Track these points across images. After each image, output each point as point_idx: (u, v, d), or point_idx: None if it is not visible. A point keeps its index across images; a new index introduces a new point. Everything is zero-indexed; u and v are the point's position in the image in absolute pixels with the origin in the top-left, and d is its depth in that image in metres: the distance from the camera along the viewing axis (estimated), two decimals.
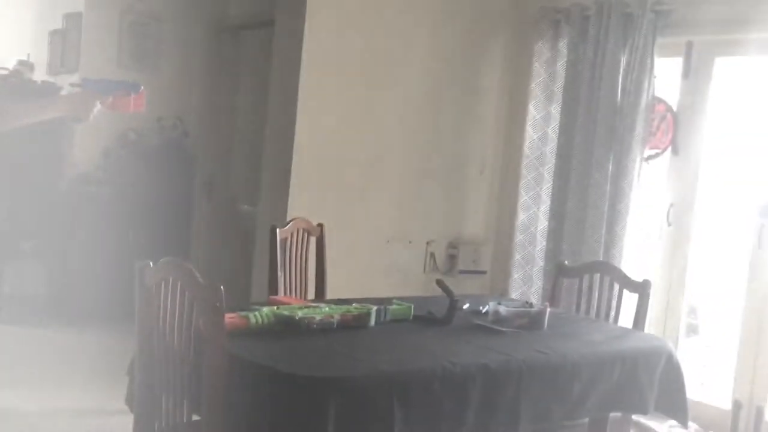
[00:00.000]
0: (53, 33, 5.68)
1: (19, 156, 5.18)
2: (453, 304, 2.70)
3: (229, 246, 5.04)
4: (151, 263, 2.16)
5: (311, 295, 3.49)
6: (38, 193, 5.30)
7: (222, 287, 1.93)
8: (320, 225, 3.52)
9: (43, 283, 5.24)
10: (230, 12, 5.33)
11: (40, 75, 5.63)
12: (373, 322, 2.49)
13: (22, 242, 5.19)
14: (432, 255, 4.66)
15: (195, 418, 2.08)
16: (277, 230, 3.28)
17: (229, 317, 2.20)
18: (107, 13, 5.35)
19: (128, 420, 2.28)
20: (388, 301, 2.72)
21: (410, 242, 4.55)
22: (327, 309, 2.45)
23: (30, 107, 2.38)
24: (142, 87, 2.54)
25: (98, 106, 2.44)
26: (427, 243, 4.64)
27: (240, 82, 5.09)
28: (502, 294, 4.41)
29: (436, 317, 2.69)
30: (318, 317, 2.36)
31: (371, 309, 2.51)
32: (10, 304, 5.08)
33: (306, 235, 3.48)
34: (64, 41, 5.55)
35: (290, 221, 3.44)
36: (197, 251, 5.29)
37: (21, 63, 5.64)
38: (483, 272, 4.82)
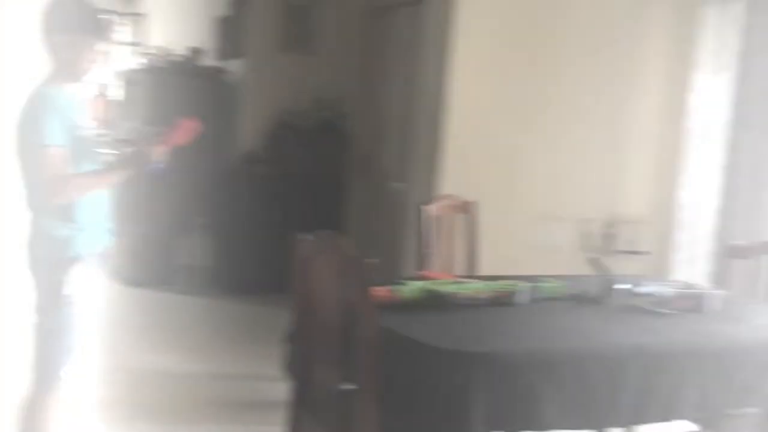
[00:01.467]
0: (221, 20, 5.99)
1: (196, 139, 5.54)
2: (608, 283, 2.59)
3: (382, 223, 5.13)
4: (307, 237, 2.24)
5: (461, 272, 3.49)
6: (209, 172, 5.66)
7: (372, 260, 1.97)
8: (470, 202, 3.50)
9: (212, 255, 5.60)
10: None
11: (209, 60, 5.99)
12: (523, 299, 2.45)
13: (196, 217, 5.57)
14: (587, 233, 4.50)
15: (348, 387, 2.14)
16: (426, 207, 3.29)
17: (381, 291, 2.25)
18: None
19: (285, 387, 2.39)
20: (540, 278, 2.66)
21: (564, 220, 4.42)
22: (477, 285, 2.44)
23: (95, 180, 2.36)
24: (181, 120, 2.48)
25: (156, 150, 2.38)
26: (582, 221, 4.49)
27: (393, 61, 5.13)
28: (663, 275, 4.19)
29: (590, 296, 2.61)
30: (467, 293, 2.35)
31: (522, 286, 2.47)
32: (184, 275, 5.49)
33: (455, 212, 3.47)
34: (230, 27, 5.85)
35: (439, 198, 3.45)
36: (352, 227, 5.43)
37: (191, 49, 6.01)
38: (643, 252, 4.59)
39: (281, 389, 2.38)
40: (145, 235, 5.51)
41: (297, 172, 5.50)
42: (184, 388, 3.59)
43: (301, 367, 2.32)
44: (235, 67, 5.75)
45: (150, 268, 5.52)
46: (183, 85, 5.57)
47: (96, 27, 2.36)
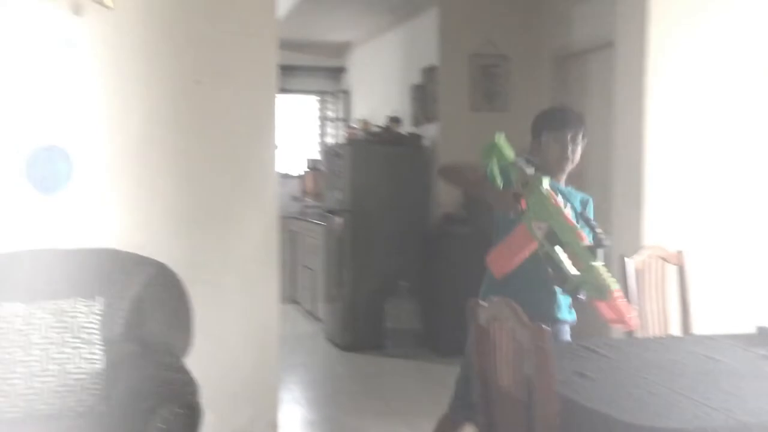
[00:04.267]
0: (414, 88, 6.18)
1: (397, 204, 5.74)
2: None
3: None
4: (481, 302, 2.17)
5: (674, 330, 3.19)
6: (412, 235, 5.77)
7: (548, 328, 1.85)
8: (679, 252, 3.21)
9: (418, 318, 5.65)
10: (573, 38, 5.24)
11: (406, 127, 6.17)
12: (737, 360, 2.16)
13: (401, 281, 5.67)
14: None
15: None
16: (628, 260, 3.07)
17: None
18: (459, 60, 5.66)
19: None
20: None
21: None
22: None
23: None
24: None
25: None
26: None
27: (586, 108, 4.94)
28: None
29: None
30: None
31: (734, 345, 2.18)
32: (392, 338, 5.59)
33: (662, 263, 3.20)
34: (423, 94, 6.02)
35: (643, 249, 3.20)
36: None
37: (390, 119, 6.25)
38: None
39: None
40: (354, 300, 5.72)
41: None
42: None
43: None
44: (430, 131, 5.88)
45: (360, 333, 5.70)
46: (384, 153, 5.79)
47: (573, 128, 2.71)
